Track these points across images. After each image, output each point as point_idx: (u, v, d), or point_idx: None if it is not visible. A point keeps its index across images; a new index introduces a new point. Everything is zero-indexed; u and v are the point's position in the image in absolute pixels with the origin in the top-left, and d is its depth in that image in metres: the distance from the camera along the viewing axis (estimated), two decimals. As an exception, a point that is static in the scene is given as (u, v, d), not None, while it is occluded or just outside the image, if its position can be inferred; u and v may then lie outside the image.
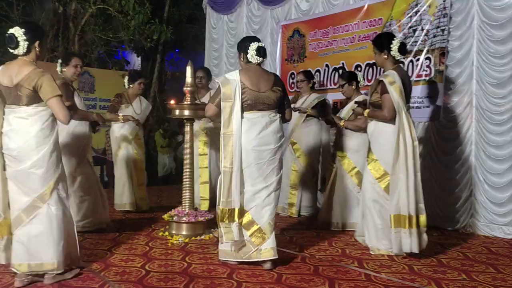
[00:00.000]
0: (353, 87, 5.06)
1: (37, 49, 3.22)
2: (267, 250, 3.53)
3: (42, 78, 3.10)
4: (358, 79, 5.17)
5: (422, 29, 5.25)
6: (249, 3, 7.59)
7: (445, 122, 5.09)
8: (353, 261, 3.80)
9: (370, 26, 5.79)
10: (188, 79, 4.66)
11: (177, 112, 4.67)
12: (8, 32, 3.19)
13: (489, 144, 4.78)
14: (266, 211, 3.57)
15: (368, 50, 5.75)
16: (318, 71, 6.40)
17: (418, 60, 5.28)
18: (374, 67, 5.67)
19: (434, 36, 5.14)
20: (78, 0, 9.05)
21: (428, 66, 5.20)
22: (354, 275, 3.43)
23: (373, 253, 4.01)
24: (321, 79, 6.35)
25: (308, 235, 4.73)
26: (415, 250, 3.81)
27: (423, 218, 3.85)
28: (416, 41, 5.30)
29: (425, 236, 3.87)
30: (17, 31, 3.15)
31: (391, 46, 4.02)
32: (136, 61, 12.31)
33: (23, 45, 3.15)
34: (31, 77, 3.09)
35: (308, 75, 5.83)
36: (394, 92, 3.87)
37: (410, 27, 5.37)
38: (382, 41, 4.10)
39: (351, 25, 6.02)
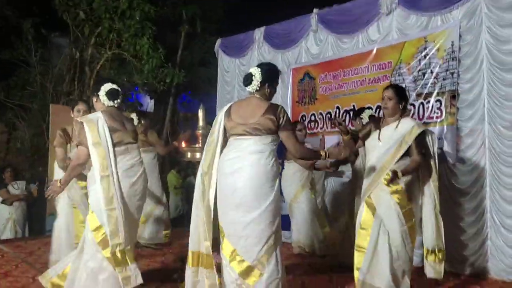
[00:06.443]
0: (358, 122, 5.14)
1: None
2: None
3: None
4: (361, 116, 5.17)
5: (432, 72, 5.30)
6: (260, 47, 7.72)
7: (459, 164, 5.05)
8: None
9: (379, 69, 5.86)
10: (200, 122, 4.71)
11: (188, 154, 4.69)
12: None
13: (504, 187, 4.71)
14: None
15: (378, 92, 5.78)
16: (329, 113, 6.45)
17: (428, 102, 5.31)
18: (385, 109, 5.69)
19: (444, 79, 5.18)
20: (94, 46, 9.32)
21: (439, 109, 5.21)
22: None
23: None
24: (332, 121, 6.41)
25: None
26: None
27: None
28: (426, 84, 5.34)
29: None
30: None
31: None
32: (149, 103, 12.51)
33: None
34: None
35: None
36: None
37: (419, 70, 5.42)
38: None
39: (360, 68, 6.09)
